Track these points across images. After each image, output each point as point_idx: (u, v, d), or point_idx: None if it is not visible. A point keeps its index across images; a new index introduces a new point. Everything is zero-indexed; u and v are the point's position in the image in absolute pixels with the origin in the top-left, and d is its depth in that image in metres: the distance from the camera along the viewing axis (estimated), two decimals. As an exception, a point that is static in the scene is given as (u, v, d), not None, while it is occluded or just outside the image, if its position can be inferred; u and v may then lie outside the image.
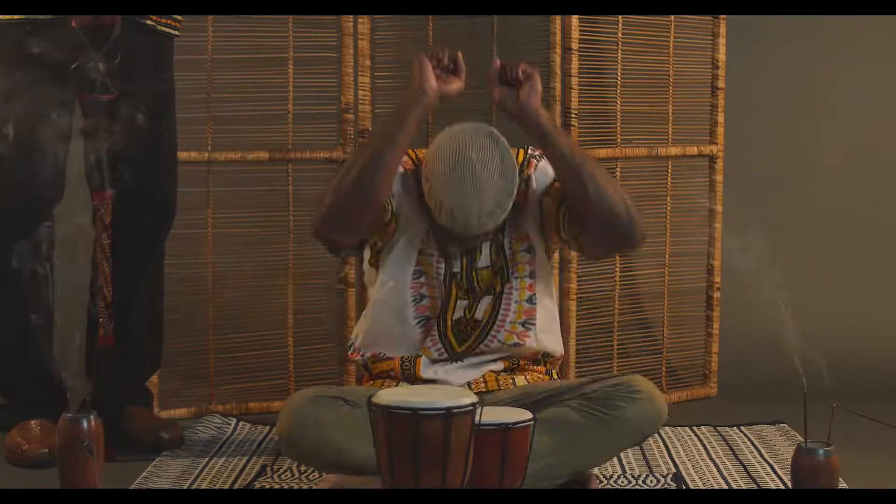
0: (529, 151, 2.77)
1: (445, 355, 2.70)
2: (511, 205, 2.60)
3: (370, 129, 3.55)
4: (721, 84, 3.68)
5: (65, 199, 2.98)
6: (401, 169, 2.68)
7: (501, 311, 2.70)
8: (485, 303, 2.70)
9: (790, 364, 2.31)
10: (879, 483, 2.70)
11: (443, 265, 2.68)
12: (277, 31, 3.48)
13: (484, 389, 2.70)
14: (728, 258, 3.52)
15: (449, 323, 2.68)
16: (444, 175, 2.57)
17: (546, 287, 2.77)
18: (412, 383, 2.68)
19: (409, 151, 2.72)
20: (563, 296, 3.49)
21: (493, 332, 2.70)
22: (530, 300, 2.72)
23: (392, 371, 2.72)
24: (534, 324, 2.72)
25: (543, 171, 2.73)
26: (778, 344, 2.27)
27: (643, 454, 3.02)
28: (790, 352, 2.28)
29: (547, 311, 2.75)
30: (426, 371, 2.69)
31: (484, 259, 2.70)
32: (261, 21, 3.45)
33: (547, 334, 2.75)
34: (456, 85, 2.66)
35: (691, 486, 2.76)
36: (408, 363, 2.70)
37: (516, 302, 2.71)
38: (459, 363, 2.71)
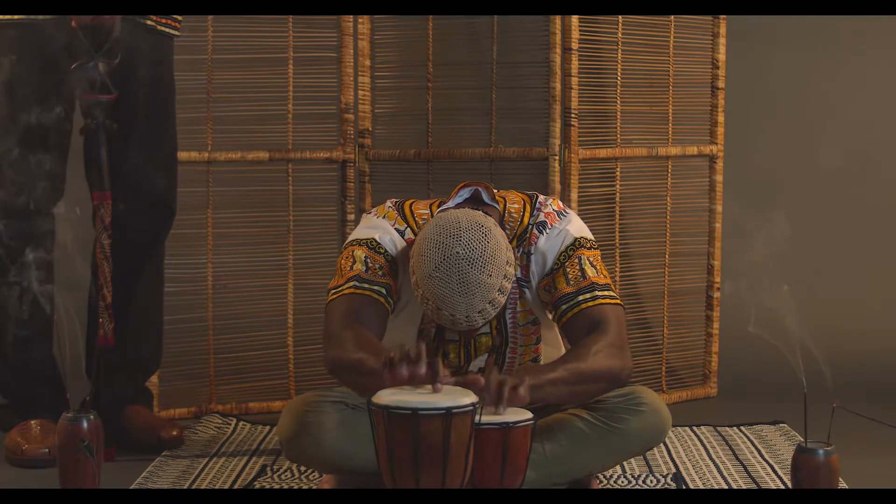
0: (534, 215, 2.65)
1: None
2: (505, 299, 2.48)
3: (370, 128, 3.55)
4: (721, 84, 3.68)
5: (65, 199, 2.98)
6: (403, 242, 2.62)
7: (505, 370, 2.66)
8: (479, 361, 2.67)
9: (790, 364, 2.31)
10: (879, 483, 2.70)
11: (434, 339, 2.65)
12: (277, 31, 3.48)
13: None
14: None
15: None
16: (428, 272, 2.41)
17: (550, 335, 2.72)
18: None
19: (412, 220, 2.65)
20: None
21: None
22: (534, 360, 2.70)
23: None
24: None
25: (541, 254, 2.62)
26: (778, 338, 2.27)
27: (643, 454, 3.02)
28: (790, 352, 2.28)
29: (549, 358, 2.71)
30: None
31: (482, 330, 2.63)
32: (261, 21, 3.45)
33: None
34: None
35: (691, 486, 2.76)
36: None
37: (520, 364, 2.68)
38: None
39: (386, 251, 2.61)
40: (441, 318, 2.46)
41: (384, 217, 2.65)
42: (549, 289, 2.62)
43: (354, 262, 2.60)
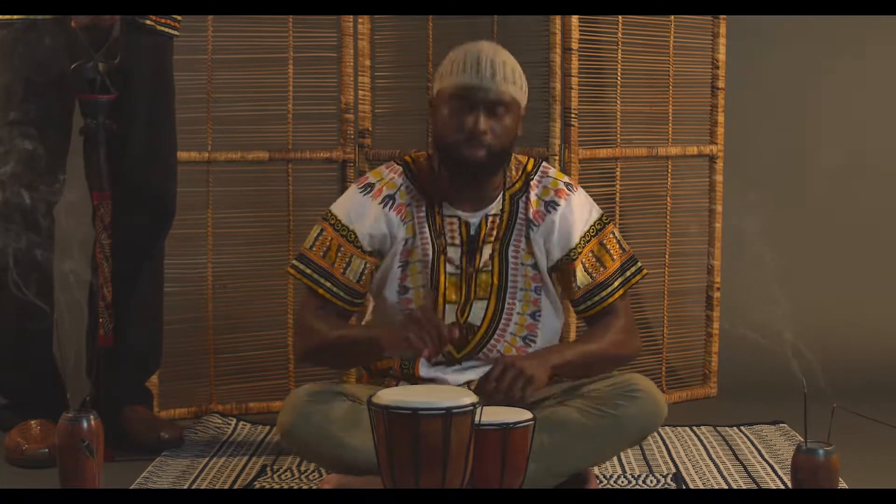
0: (538, 169, 2.75)
1: (444, 360, 2.69)
2: (521, 100, 2.64)
3: (370, 129, 3.55)
4: (721, 84, 3.68)
5: (65, 199, 2.97)
6: (380, 197, 2.68)
7: (502, 322, 2.68)
8: (478, 308, 2.68)
9: (790, 364, 2.31)
10: (879, 483, 2.70)
11: (430, 254, 2.67)
12: (277, 31, 3.48)
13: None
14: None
15: None
16: (456, 58, 2.60)
17: (553, 305, 2.74)
18: (411, 383, 2.68)
19: (411, 161, 2.75)
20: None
21: (492, 342, 2.69)
22: (534, 315, 2.70)
23: (391, 370, 2.72)
24: (534, 340, 2.70)
25: (565, 220, 2.70)
26: (776, 339, 2.27)
27: (643, 454, 3.02)
28: (788, 352, 2.28)
29: (552, 331, 2.74)
30: (425, 371, 2.68)
31: (484, 262, 2.68)
32: (261, 21, 3.45)
33: None
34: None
35: (691, 486, 2.76)
36: (406, 363, 2.69)
37: (518, 314, 2.69)
38: (458, 366, 2.70)
39: (356, 235, 2.66)
40: (465, 69, 2.58)
41: (373, 179, 2.72)
42: (566, 271, 2.71)
43: (328, 249, 2.67)
